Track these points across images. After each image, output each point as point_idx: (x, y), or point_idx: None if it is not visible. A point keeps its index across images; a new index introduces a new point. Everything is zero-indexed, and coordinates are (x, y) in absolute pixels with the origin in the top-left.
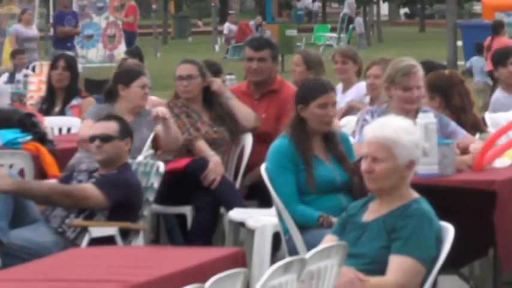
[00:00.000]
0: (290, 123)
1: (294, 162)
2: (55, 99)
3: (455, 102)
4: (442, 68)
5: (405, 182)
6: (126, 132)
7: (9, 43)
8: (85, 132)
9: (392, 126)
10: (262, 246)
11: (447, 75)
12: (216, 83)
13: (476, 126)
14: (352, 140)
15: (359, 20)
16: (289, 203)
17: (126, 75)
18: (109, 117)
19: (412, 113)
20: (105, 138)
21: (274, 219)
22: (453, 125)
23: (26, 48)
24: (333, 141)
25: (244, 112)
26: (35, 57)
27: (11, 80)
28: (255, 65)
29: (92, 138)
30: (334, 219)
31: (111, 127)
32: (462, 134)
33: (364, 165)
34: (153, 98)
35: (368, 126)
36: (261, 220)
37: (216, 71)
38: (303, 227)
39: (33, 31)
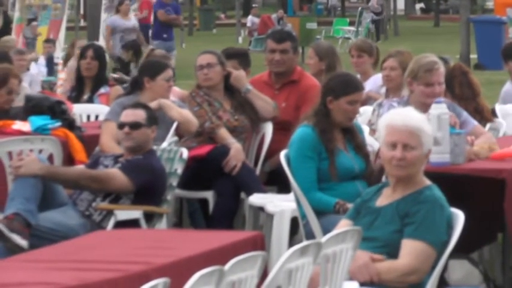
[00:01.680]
0: (315, 113)
1: (317, 151)
2: (84, 88)
3: (456, 91)
4: (444, 61)
5: (421, 169)
6: (153, 119)
7: (105, 35)
8: (107, 140)
9: (417, 116)
10: (280, 230)
11: (449, 68)
12: (233, 76)
13: (479, 113)
14: (367, 128)
15: (365, 15)
16: (308, 190)
17: (152, 68)
18: (136, 105)
19: (429, 106)
20: (134, 125)
21: (293, 205)
22: (465, 115)
23: (124, 39)
24: (352, 132)
25: (262, 103)
26: None
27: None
28: (277, 57)
29: (121, 125)
30: (350, 206)
31: (139, 114)
32: (473, 124)
33: (395, 153)
34: (176, 89)
35: (389, 115)
36: (280, 205)
37: (247, 62)
38: (319, 213)
39: (131, 22)
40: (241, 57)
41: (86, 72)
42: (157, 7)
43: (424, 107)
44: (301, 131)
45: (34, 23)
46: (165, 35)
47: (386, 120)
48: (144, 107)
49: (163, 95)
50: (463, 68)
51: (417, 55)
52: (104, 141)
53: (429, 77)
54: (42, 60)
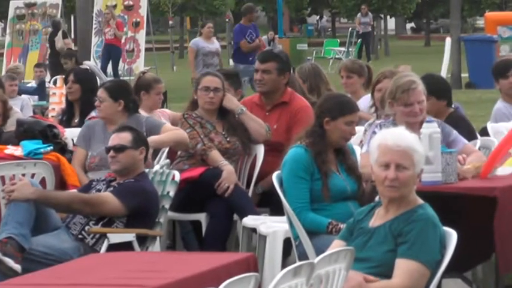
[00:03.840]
0: (309, 133)
1: (310, 171)
2: (74, 111)
3: None
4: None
5: (413, 189)
6: (139, 141)
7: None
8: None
9: (410, 136)
10: (273, 251)
11: None
12: (227, 98)
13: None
14: (358, 149)
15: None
16: (300, 211)
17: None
18: (122, 128)
19: (416, 125)
20: (119, 149)
21: (285, 226)
22: (455, 134)
23: (206, 63)
24: (344, 153)
25: (255, 126)
26: None
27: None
28: (258, 76)
29: (107, 150)
30: (343, 226)
31: (124, 137)
32: (462, 142)
33: (388, 173)
34: (167, 112)
35: (381, 135)
36: (273, 226)
37: (239, 83)
38: (312, 233)
39: (214, 45)
40: (232, 79)
41: (70, 96)
42: (239, 36)
43: (408, 126)
44: (294, 151)
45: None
46: (251, 58)
47: (379, 140)
48: (130, 129)
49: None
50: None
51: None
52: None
53: (406, 97)
54: (33, 85)
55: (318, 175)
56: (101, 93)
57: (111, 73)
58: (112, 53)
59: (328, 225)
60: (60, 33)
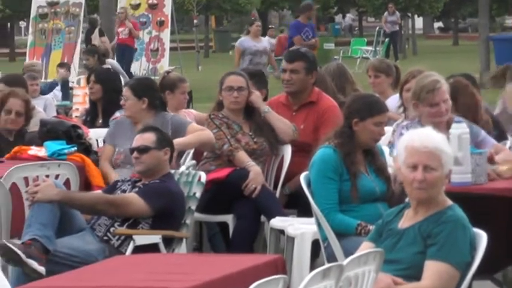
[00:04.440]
0: (338, 134)
1: (338, 172)
2: (98, 112)
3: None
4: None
5: (442, 190)
6: (164, 141)
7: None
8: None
9: (437, 136)
10: (301, 253)
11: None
12: (254, 97)
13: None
14: (387, 150)
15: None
16: (329, 212)
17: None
18: (146, 128)
19: (442, 124)
20: (143, 150)
21: (314, 228)
22: (483, 134)
23: (254, 62)
24: (373, 154)
25: (282, 126)
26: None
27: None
28: (286, 76)
29: (131, 151)
30: (372, 227)
31: (148, 138)
32: (491, 143)
33: (416, 174)
34: (193, 112)
35: (408, 136)
36: (301, 228)
37: (264, 82)
38: (341, 235)
39: (262, 44)
40: (257, 78)
41: (92, 96)
42: (294, 31)
43: (434, 127)
44: (322, 152)
45: (104, 38)
46: None
47: (406, 142)
48: (154, 129)
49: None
50: (462, 82)
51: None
52: (100, 168)
53: (432, 98)
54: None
55: (346, 176)
56: (125, 91)
57: (134, 73)
58: (125, 53)
59: (357, 227)
60: (96, 31)
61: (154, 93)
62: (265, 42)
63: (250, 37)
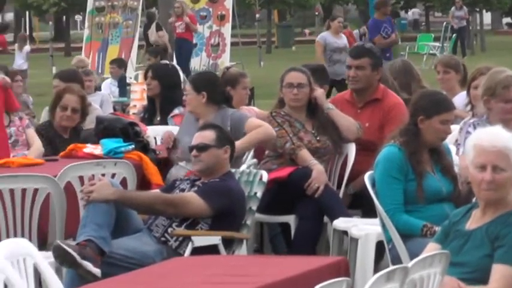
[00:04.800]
0: (403, 132)
1: (404, 172)
2: (156, 109)
3: None
4: None
5: (511, 190)
6: (223, 139)
7: (317, 50)
8: None
9: (506, 135)
10: (365, 255)
11: None
12: (317, 93)
13: None
14: (454, 148)
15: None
16: (394, 212)
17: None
18: (206, 126)
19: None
20: (202, 148)
21: (378, 229)
22: None
23: (333, 59)
24: (439, 153)
25: (346, 123)
26: (342, 69)
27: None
28: (352, 73)
29: (190, 149)
30: (438, 229)
31: (207, 136)
32: None
33: (484, 175)
34: (254, 109)
35: (476, 135)
36: (365, 229)
37: (325, 78)
38: (406, 236)
39: (342, 41)
40: (319, 73)
41: (149, 93)
42: (374, 32)
43: (504, 124)
44: (388, 150)
45: (161, 32)
46: (387, 54)
47: (474, 141)
48: (214, 127)
49: (243, 102)
50: None
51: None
52: None
53: (507, 93)
54: (113, 81)
55: (412, 175)
56: (187, 85)
57: (194, 68)
58: (183, 47)
59: (423, 228)
60: (153, 26)
61: (214, 88)
62: (345, 39)
63: (331, 33)
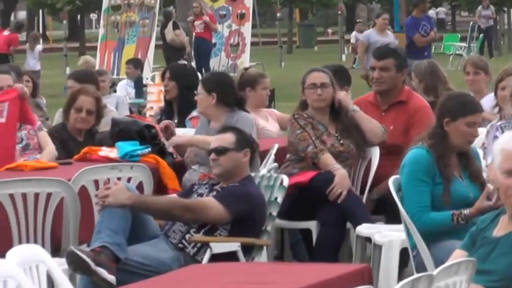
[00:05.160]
0: (430, 135)
1: (431, 175)
2: (173, 111)
3: None
4: None
5: None
6: (243, 142)
7: (360, 49)
8: None
9: None
10: (389, 262)
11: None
12: (340, 95)
13: None
14: (481, 153)
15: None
16: (420, 215)
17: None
18: (225, 128)
19: None
20: (220, 151)
21: (402, 235)
22: None
23: None
24: (467, 157)
25: (371, 126)
26: None
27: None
28: (376, 74)
29: (209, 152)
30: (466, 212)
31: (226, 139)
32: None
33: (510, 182)
34: (275, 112)
35: (504, 139)
36: (388, 235)
37: (346, 79)
38: (431, 241)
39: (388, 38)
40: (339, 74)
41: (166, 94)
42: (412, 30)
43: None
44: (414, 152)
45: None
46: (426, 53)
47: (501, 145)
48: (234, 130)
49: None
50: None
51: None
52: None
53: None
54: (129, 81)
55: (439, 179)
56: (199, 86)
57: (213, 69)
58: (202, 47)
59: (452, 217)
60: (170, 24)
61: (225, 89)
62: (391, 36)
63: (376, 30)
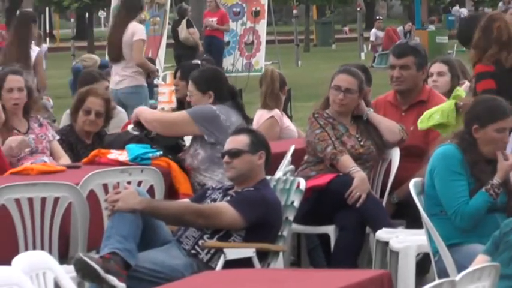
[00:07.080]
0: (459, 141)
1: (465, 169)
2: None
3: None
4: None
5: None
6: (258, 144)
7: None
8: None
9: None
10: (406, 269)
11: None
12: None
13: None
14: None
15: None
16: (463, 209)
17: None
18: (239, 130)
19: None
20: (234, 154)
21: (420, 240)
22: None
23: None
24: (496, 164)
25: (386, 123)
26: None
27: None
28: (396, 73)
29: (223, 155)
30: (494, 181)
31: (241, 140)
32: None
33: None
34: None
35: None
36: (406, 241)
37: (367, 79)
38: (453, 246)
39: None
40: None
41: (177, 94)
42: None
43: None
44: (443, 149)
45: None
46: None
47: None
48: (248, 131)
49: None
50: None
51: None
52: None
53: None
54: None
55: (470, 178)
56: (189, 86)
57: (227, 68)
58: (213, 45)
59: (488, 192)
60: (184, 22)
61: (220, 85)
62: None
63: None
